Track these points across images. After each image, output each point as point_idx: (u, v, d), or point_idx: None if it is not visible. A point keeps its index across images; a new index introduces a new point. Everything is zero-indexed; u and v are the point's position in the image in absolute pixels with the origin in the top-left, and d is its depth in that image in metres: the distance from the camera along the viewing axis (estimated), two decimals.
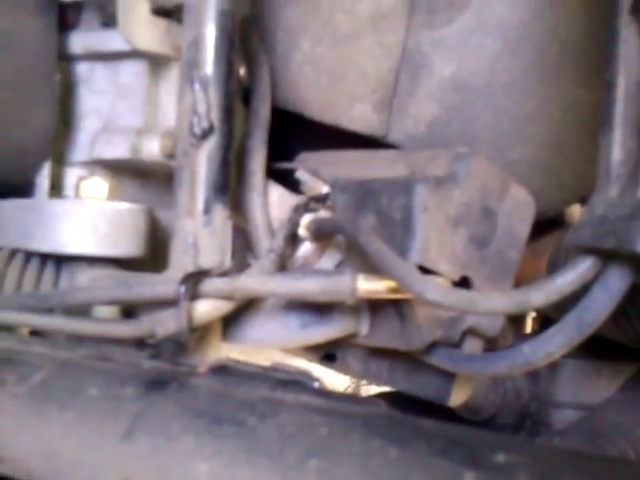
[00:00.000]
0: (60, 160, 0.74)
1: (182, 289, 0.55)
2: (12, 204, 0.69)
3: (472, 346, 0.67)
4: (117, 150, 0.71)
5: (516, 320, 0.96)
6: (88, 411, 0.39)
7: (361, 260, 0.65)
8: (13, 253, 0.68)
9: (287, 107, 0.82)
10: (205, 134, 0.62)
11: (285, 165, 0.78)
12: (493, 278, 0.67)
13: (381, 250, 0.57)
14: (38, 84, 0.70)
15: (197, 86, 0.61)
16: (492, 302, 0.52)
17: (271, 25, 0.81)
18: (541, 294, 0.50)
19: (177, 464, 0.35)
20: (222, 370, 0.47)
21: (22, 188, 0.73)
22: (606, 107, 0.52)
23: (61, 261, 0.68)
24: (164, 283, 0.58)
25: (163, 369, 0.45)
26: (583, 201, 0.89)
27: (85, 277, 0.64)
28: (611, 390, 0.80)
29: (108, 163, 0.73)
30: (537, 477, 0.30)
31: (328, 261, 0.72)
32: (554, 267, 0.80)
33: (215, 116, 0.62)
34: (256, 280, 0.58)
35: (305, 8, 0.79)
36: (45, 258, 0.69)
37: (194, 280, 0.56)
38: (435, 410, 0.72)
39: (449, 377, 0.70)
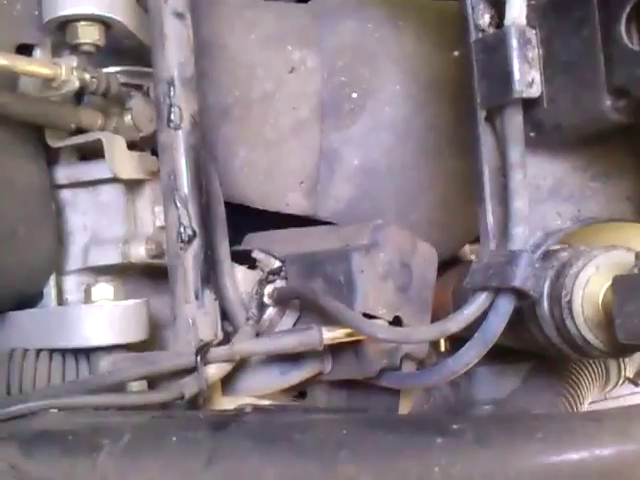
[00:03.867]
0: (58, 270, 0.91)
1: (199, 359, 0.73)
2: (32, 313, 0.85)
3: (408, 367, 0.88)
4: (109, 257, 0.89)
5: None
6: (175, 453, 0.56)
7: (314, 315, 0.85)
8: (38, 353, 0.84)
9: (232, 200, 1.02)
10: (190, 239, 0.81)
11: (242, 248, 0.98)
12: (417, 313, 0.89)
13: (338, 307, 0.78)
14: (40, 214, 0.87)
15: (179, 204, 0.81)
16: (422, 333, 0.74)
17: (212, 138, 1.01)
18: (455, 323, 0.73)
19: (251, 476, 0.53)
20: (258, 409, 0.66)
21: (29, 298, 0.89)
22: (477, 187, 0.76)
23: (78, 353, 0.84)
24: (180, 356, 0.76)
25: (218, 415, 0.63)
26: (471, 243, 1.14)
27: (106, 362, 0.82)
28: (515, 384, 1.03)
29: (99, 268, 0.90)
30: (477, 435, 0.51)
31: (288, 320, 0.92)
32: (458, 296, 1.03)
33: (195, 224, 0.82)
34: (250, 343, 0.77)
35: (239, 124, 1.00)
36: (64, 353, 0.85)
37: (204, 351, 0.75)
38: None
39: (395, 394, 0.91)
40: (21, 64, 0.74)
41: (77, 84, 0.79)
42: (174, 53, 0.83)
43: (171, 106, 0.82)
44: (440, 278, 1.04)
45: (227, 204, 1.01)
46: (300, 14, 1.01)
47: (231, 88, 0.99)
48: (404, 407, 0.91)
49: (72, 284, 0.91)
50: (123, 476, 0.57)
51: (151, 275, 0.95)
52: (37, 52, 0.86)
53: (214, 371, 0.76)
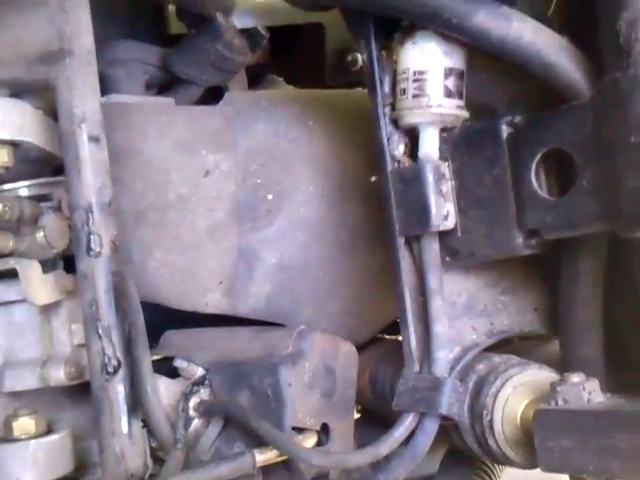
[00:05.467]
0: None
1: None
2: None
3: (335, 475, 0.91)
4: (26, 382, 0.86)
5: None
6: None
7: (240, 427, 0.86)
8: None
9: (149, 300, 1.01)
10: (115, 370, 0.80)
11: (163, 354, 0.97)
12: (342, 416, 0.92)
13: (270, 431, 0.79)
14: None
15: (103, 335, 0.80)
16: (356, 458, 0.77)
17: (126, 241, 0.99)
18: (386, 446, 0.76)
19: None
20: None
21: None
22: (399, 309, 0.79)
23: None
24: None
25: None
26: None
27: None
28: (432, 463, 1.07)
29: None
30: None
31: (213, 429, 0.91)
32: (375, 382, 1.06)
33: (120, 354, 0.81)
34: (184, 477, 0.77)
35: (154, 227, 0.99)
36: None
37: None
38: None
39: None
40: None
41: None
42: (91, 179, 0.81)
43: (90, 234, 0.81)
44: None
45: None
46: (212, 117, 1.01)
47: (146, 192, 0.98)
48: None
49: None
50: None
51: (68, 388, 0.93)
52: None
53: None
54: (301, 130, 1.03)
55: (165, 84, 1.14)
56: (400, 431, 0.76)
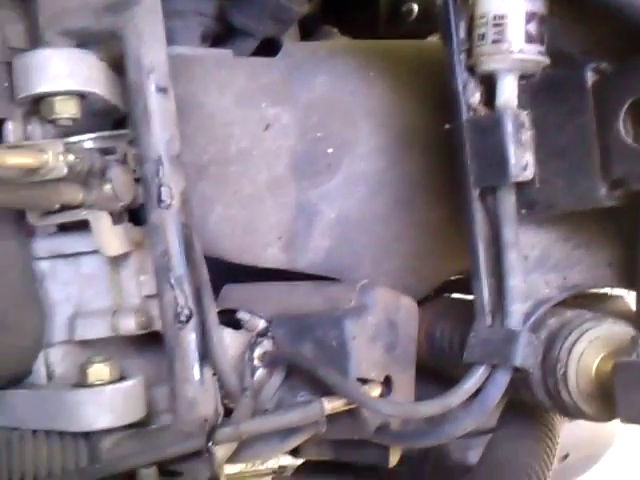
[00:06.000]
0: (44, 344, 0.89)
1: (210, 444, 0.74)
2: (28, 394, 0.84)
3: (396, 424, 0.91)
4: (98, 330, 0.88)
5: None
6: None
7: (302, 377, 0.87)
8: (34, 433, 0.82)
9: (209, 254, 1.01)
10: (188, 319, 0.81)
11: (226, 307, 0.98)
12: (404, 370, 0.93)
13: (340, 380, 0.80)
14: (25, 293, 0.84)
15: (175, 285, 0.80)
16: (427, 408, 0.77)
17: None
18: (456, 397, 0.77)
19: None
20: None
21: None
22: (472, 263, 0.79)
23: (76, 434, 0.83)
24: (187, 439, 0.77)
25: None
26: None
27: (107, 443, 0.81)
28: (491, 418, 1.07)
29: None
30: None
31: (276, 379, 0.93)
32: (432, 339, 1.06)
33: (191, 303, 0.81)
34: (256, 423, 0.79)
35: (215, 181, 0.99)
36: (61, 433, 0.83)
37: (214, 434, 0.76)
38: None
39: (385, 447, 0.94)
40: (7, 157, 0.71)
41: (65, 170, 0.77)
42: (160, 131, 0.81)
43: (161, 186, 0.81)
44: None
45: None
46: (272, 70, 1.00)
47: (207, 146, 0.98)
48: (394, 459, 0.95)
49: (58, 356, 0.90)
50: None
51: (133, 337, 0.94)
52: (9, 126, 0.83)
53: (222, 452, 0.77)
54: (360, 82, 1.01)
55: (219, 36, 1.13)
56: (471, 383, 0.77)
